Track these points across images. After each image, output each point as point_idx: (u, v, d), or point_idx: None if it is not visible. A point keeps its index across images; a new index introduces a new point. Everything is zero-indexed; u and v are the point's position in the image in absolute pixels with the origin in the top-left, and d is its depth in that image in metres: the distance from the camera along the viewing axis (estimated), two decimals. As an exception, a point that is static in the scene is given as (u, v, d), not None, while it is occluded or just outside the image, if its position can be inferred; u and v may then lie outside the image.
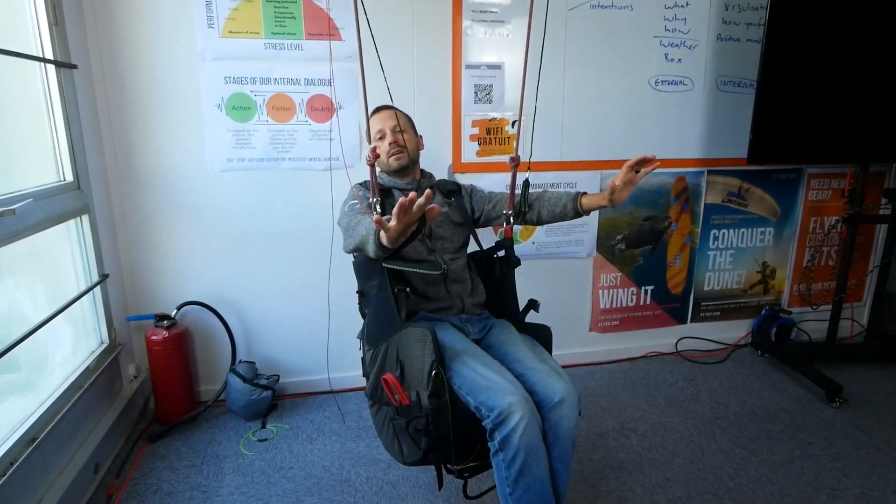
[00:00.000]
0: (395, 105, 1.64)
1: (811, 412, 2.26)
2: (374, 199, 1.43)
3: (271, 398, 2.21)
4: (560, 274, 2.58)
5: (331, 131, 2.18)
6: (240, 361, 2.24)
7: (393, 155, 1.60)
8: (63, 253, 1.87)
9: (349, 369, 2.35)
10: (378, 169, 1.63)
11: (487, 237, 2.09)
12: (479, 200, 1.74)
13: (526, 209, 1.63)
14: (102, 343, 2.02)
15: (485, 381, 1.25)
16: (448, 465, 1.38)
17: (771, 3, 2.21)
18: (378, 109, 1.66)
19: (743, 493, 1.76)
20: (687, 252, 2.73)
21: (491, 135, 2.34)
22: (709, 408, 2.29)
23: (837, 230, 2.85)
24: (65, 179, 1.84)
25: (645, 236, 2.65)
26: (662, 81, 2.47)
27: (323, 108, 2.16)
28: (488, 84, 2.29)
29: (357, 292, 1.61)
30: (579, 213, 1.56)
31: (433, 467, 1.44)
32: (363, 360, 1.53)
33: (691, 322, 2.83)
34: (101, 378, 1.91)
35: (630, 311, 2.72)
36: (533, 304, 1.62)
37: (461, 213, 1.67)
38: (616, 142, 2.47)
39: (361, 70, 1.42)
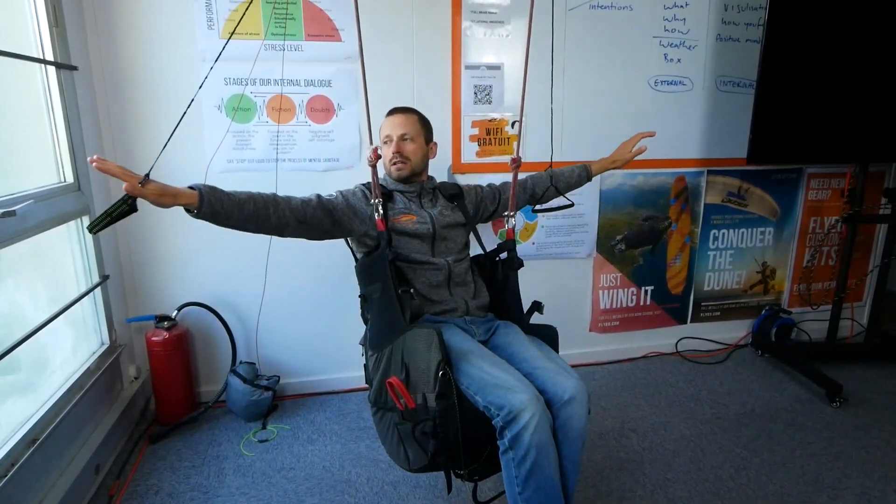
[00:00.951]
0: (411, 106, 1.63)
1: (811, 412, 2.26)
2: (376, 201, 1.43)
3: (272, 399, 2.21)
4: (560, 274, 2.58)
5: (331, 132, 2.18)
6: (240, 362, 2.25)
7: (395, 164, 1.59)
8: (63, 254, 1.87)
9: (350, 370, 2.35)
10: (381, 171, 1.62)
11: (489, 240, 2.10)
12: (485, 200, 1.77)
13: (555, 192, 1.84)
14: (103, 344, 2.02)
15: (493, 380, 1.23)
16: (457, 470, 1.34)
17: (770, 3, 2.22)
18: (393, 112, 1.63)
19: (743, 492, 1.76)
20: (687, 252, 2.73)
21: (491, 135, 2.34)
22: (709, 408, 2.29)
23: (837, 230, 2.85)
24: (65, 180, 1.84)
25: (645, 236, 2.65)
26: (662, 81, 2.47)
27: (323, 109, 2.17)
28: (488, 84, 2.29)
29: (359, 297, 1.59)
30: (590, 178, 1.93)
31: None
32: (366, 366, 1.51)
33: (691, 322, 2.83)
34: (101, 379, 1.91)
35: (630, 312, 2.72)
36: (537, 306, 1.60)
37: (464, 217, 1.67)
38: (616, 142, 2.44)
39: (363, 71, 1.42)
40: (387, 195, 1.58)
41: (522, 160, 1.63)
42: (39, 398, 1.63)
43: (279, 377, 2.29)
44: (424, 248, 1.56)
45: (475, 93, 2.29)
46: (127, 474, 1.85)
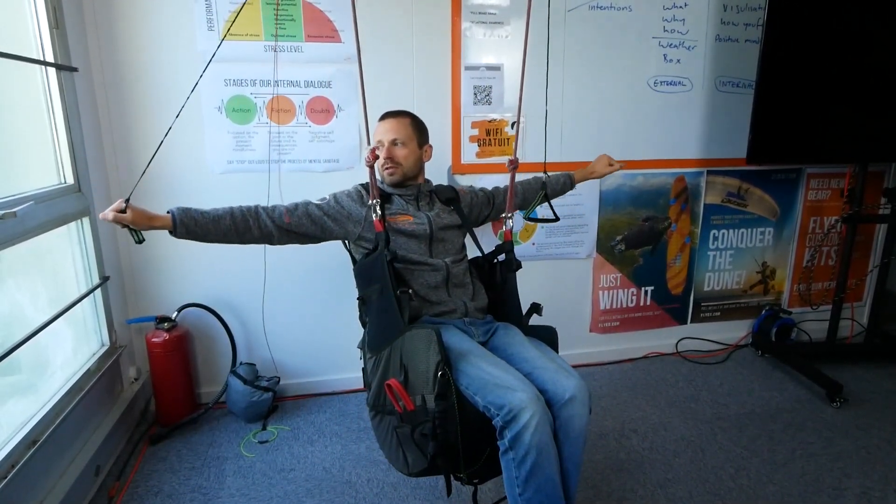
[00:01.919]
0: (406, 109, 1.63)
1: (812, 412, 2.26)
2: (374, 201, 1.43)
3: (272, 400, 2.21)
4: (560, 275, 2.58)
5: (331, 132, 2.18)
6: (240, 363, 2.25)
7: (386, 169, 1.59)
8: (64, 255, 1.87)
9: (350, 371, 2.35)
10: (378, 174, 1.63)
11: (489, 240, 2.10)
12: (479, 205, 1.79)
13: (551, 207, 1.83)
14: (103, 345, 2.02)
15: (493, 379, 1.23)
16: (457, 473, 1.33)
17: (769, 4, 2.22)
18: (385, 116, 1.64)
19: (744, 493, 1.76)
20: (687, 252, 2.73)
21: (490, 136, 2.35)
22: (709, 408, 2.29)
23: (837, 230, 2.85)
24: (65, 182, 1.84)
25: (645, 237, 2.65)
26: (661, 82, 2.47)
27: (323, 110, 2.17)
28: (487, 85, 2.30)
29: (357, 299, 1.58)
30: (573, 186, 1.99)
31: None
32: (364, 369, 1.50)
33: (691, 322, 2.83)
34: (101, 380, 1.91)
35: (630, 312, 2.72)
36: (536, 308, 1.59)
37: (461, 219, 1.67)
38: (615, 142, 2.48)
39: (360, 72, 1.42)
40: (385, 196, 1.59)
41: (521, 161, 1.63)
42: (40, 399, 1.63)
43: (279, 378, 2.29)
44: (422, 249, 1.56)
45: (475, 93, 2.29)
46: (127, 475, 1.85)
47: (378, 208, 1.43)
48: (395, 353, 1.31)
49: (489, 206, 1.82)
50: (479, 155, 2.35)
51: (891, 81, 2.35)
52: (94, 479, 1.74)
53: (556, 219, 1.85)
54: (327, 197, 1.58)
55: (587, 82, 2.39)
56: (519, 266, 1.62)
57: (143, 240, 1.37)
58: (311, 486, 1.81)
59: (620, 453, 1.97)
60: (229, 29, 1.99)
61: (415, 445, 1.28)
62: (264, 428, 2.15)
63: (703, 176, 2.65)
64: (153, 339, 2.08)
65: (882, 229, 2.85)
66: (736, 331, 2.90)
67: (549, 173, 1.89)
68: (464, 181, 2.34)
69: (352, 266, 1.62)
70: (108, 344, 2.03)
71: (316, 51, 2.11)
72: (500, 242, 1.66)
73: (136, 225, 1.34)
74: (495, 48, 2.27)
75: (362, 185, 1.64)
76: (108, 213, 1.30)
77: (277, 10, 2.04)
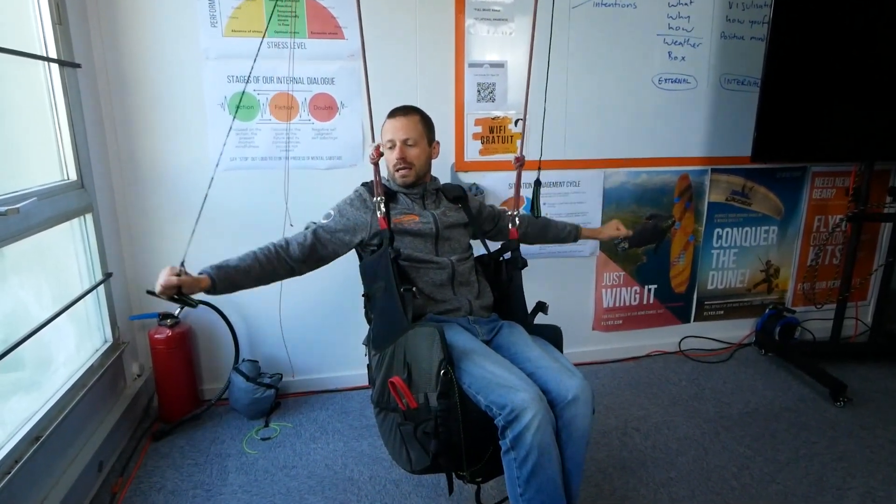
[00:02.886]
0: (411, 105, 1.62)
1: (815, 411, 2.25)
2: (378, 199, 1.42)
3: (274, 397, 2.21)
4: (563, 273, 2.57)
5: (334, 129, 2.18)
6: (243, 360, 2.25)
7: (399, 171, 1.59)
8: (67, 252, 1.87)
9: (352, 368, 2.35)
10: (384, 170, 1.62)
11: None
12: (486, 220, 1.80)
13: (538, 213, 1.72)
14: (106, 342, 2.02)
15: (496, 379, 1.22)
16: (459, 472, 1.33)
17: (775, 1, 2.20)
18: (394, 113, 1.61)
19: (747, 492, 1.76)
20: (690, 251, 2.72)
21: (494, 133, 2.34)
22: (712, 407, 2.29)
23: (842, 228, 2.84)
24: (68, 178, 1.84)
25: (648, 235, 2.64)
26: (666, 79, 2.46)
27: (326, 107, 2.16)
28: (491, 82, 2.29)
29: (363, 296, 1.59)
30: (577, 238, 1.96)
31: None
32: (369, 366, 1.50)
33: (695, 321, 2.82)
34: (104, 377, 1.92)
35: (633, 310, 2.72)
36: (541, 307, 1.59)
37: (468, 217, 1.67)
38: (619, 140, 2.47)
39: (364, 68, 1.42)
40: (389, 194, 1.58)
41: (526, 158, 1.62)
42: (43, 396, 1.63)
43: (282, 375, 2.29)
44: (428, 248, 1.56)
45: (478, 91, 2.28)
46: (130, 472, 1.86)
47: (382, 206, 1.42)
48: (398, 351, 1.31)
49: (492, 223, 1.83)
50: (482, 152, 2.34)
51: (897, 79, 2.34)
52: (97, 476, 1.75)
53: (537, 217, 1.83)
54: (331, 212, 1.57)
55: (591, 79, 2.38)
56: (525, 264, 1.61)
57: (198, 304, 1.32)
58: (313, 483, 1.81)
59: (623, 452, 1.97)
60: (227, 26, 1.98)
61: (417, 443, 1.28)
62: (267, 425, 2.15)
63: (708, 174, 2.63)
64: (156, 336, 2.08)
65: (887, 228, 2.84)
66: (739, 329, 2.89)
67: (558, 220, 1.95)
68: (467, 178, 2.34)
69: (357, 263, 1.62)
70: (111, 340, 2.04)
71: (319, 47, 2.11)
72: (505, 241, 1.66)
73: (188, 289, 1.31)
74: (499, 45, 2.26)
75: (365, 184, 1.63)
76: (164, 279, 1.25)
77: (282, 6, 2.04)
